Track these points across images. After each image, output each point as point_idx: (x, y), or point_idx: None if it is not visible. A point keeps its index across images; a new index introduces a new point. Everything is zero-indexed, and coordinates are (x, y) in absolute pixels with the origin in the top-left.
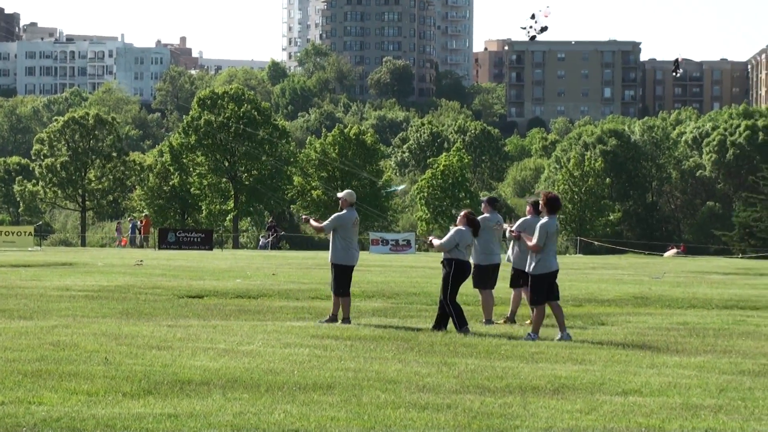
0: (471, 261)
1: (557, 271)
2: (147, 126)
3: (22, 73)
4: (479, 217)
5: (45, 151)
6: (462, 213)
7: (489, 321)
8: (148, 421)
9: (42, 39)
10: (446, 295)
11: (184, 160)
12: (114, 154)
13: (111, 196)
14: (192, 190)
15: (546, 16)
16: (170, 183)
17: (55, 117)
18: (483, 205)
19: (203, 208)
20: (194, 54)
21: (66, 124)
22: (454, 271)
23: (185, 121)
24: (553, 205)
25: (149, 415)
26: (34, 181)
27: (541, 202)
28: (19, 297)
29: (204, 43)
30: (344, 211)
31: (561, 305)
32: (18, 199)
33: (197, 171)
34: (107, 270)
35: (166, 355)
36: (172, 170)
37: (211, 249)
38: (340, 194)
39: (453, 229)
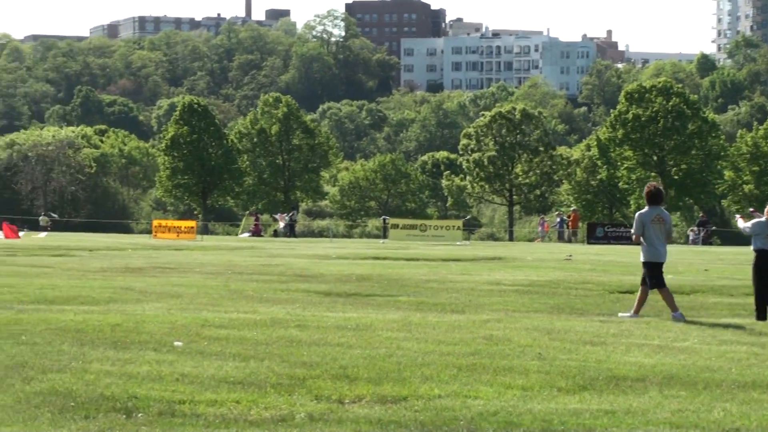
0: None
1: None
2: (573, 120)
3: (449, 69)
4: None
5: (472, 146)
6: None
7: None
8: (585, 417)
9: (468, 34)
10: None
11: (612, 155)
12: (541, 149)
13: (538, 190)
14: (620, 184)
15: None
16: (598, 177)
17: (482, 112)
18: None
19: (632, 202)
20: (620, 47)
21: (493, 118)
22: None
23: (612, 115)
24: None
25: (585, 411)
26: (461, 175)
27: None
28: (450, 291)
29: (630, 37)
30: (644, 209)
31: None
32: (446, 193)
33: (625, 165)
34: (537, 264)
35: (599, 351)
36: (599, 164)
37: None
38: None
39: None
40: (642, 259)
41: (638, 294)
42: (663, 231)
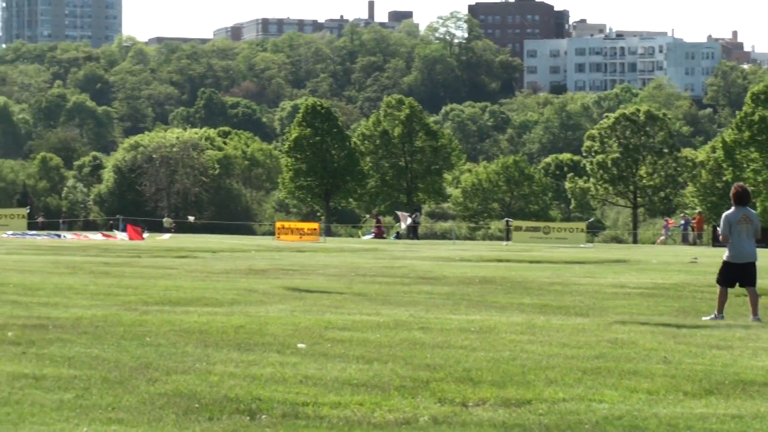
0: None
1: None
2: (698, 122)
3: (572, 70)
4: None
5: (596, 148)
6: None
7: None
8: (712, 421)
9: (591, 35)
10: None
11: (738, 157)
12: (665, 150)
13: (662, 192)
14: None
15: None
16: (723, 179)
17: (606, 113)
18: None
19: (758, 204)
20: (746, 48)
21: (617, 120)
22: None
23: (738, 116)
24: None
25: (712, 416)
26: (585, 177)
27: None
28: (574, 294)
29: (756, 37)
30: (731, 210)
31: None
32: (569, 195)
33: (751, 167)
34: (662, 267)
35: (726, 355)
36: (725, 167)
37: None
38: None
39: None
40: (725, 258)
41: (748, 297)
42: (750, 231)
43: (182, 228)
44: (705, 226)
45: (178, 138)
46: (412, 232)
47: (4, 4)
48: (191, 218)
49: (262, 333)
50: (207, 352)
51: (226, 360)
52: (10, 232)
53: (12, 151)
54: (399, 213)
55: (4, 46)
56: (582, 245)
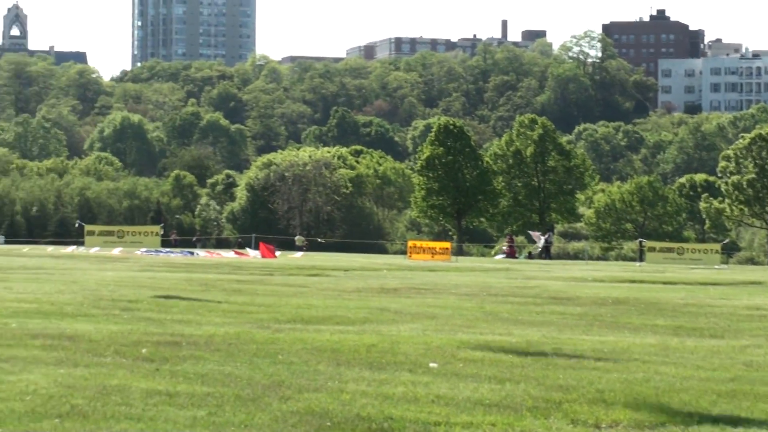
0: None
1: None
2: None
3: (707, 90)
4: None
5: (731, 168)
6: None
7: None
8: None
9: (727, 55)
10: None
11: None
12: None
13: None
14: None
15: None
16: None
17: (741, 134)
18: None
19: None
20: None
21: (753, 140)
22: None
23: None
24: None
25: None
26: (720, 198)
27: None
28: (708, 315)
29: None
30: None
31: None
32: (704, 216)
33: None
34: None
35: None
36: None
37: None
38: None
39: None
40: None
41: None
42: None
43: (314, 246)
44: None
45: (310, 156)
46: (545, 252)
47: (140, 24)
48: (320, 240)
49: (394, 352)
50: (339, 370)
51: (358, 378)
52: (144, 249)
53: (146, 169)
54: (532, 233)
55: (139, 64)
56: (716, 266)
